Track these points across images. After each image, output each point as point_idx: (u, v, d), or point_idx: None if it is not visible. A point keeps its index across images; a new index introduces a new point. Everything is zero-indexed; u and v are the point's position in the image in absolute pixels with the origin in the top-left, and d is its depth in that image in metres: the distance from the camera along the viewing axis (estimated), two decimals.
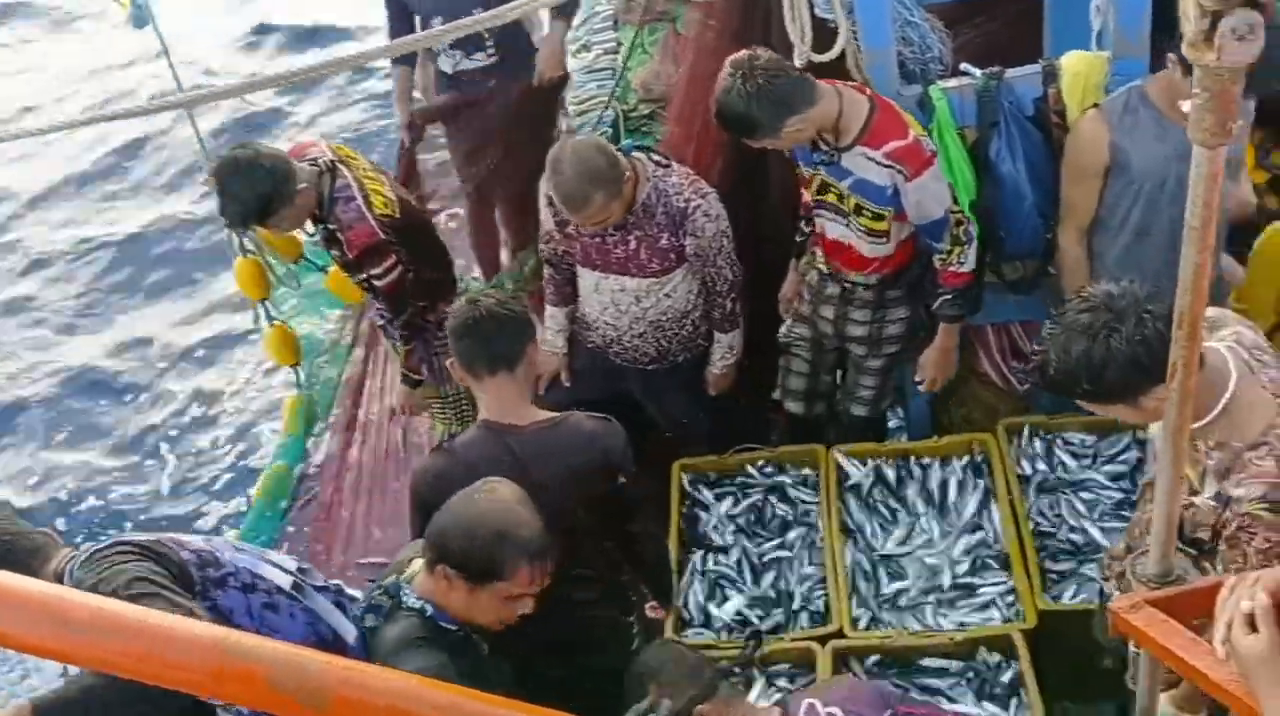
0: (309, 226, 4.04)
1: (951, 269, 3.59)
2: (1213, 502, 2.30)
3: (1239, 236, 3.76)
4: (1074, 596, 3.51)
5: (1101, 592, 3.37)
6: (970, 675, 3.38)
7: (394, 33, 5.02)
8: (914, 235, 3.68)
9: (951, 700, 3.36)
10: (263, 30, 9.74)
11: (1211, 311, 2.50)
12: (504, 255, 5.55)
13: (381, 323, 4.37)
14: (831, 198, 3.61)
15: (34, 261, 7.82)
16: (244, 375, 6.65)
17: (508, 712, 1.69)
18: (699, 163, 4.04)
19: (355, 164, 4.01)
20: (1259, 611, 1.59)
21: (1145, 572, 2.00)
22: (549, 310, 4.11)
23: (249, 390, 6.54)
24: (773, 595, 3.72)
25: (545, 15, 5.21)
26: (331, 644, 2.69)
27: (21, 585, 1.56)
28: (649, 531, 3.39)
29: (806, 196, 3.78)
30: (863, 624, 3.54)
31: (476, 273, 5.47)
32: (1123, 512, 3.61)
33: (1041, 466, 3.86)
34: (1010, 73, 3.57)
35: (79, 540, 3.53)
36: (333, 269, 4.54)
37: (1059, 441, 3.89)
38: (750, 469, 4.04)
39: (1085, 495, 3.75)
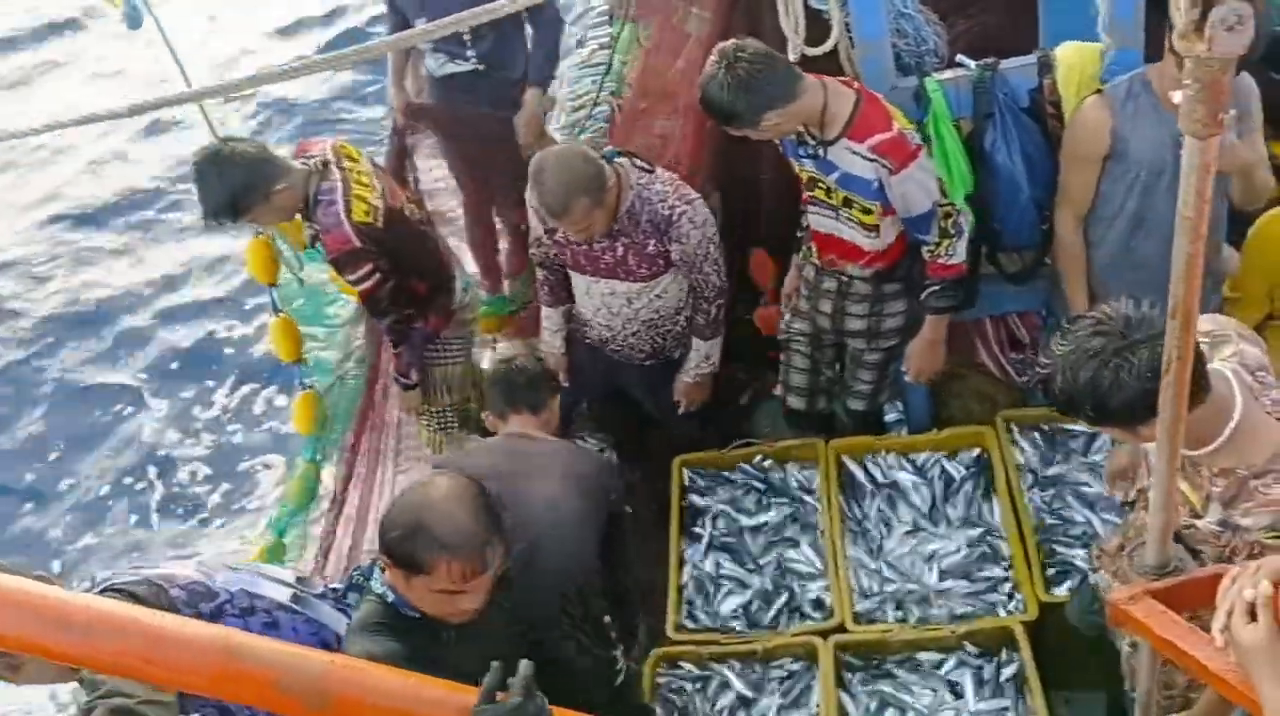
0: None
1: (940, 261, 3.57)
2: (1217, 528, 2.28)
3: (1240, 226, 3.68)
4: (1075, 588, 3.50)
5: (1085, 578, 3.39)
6: (972, 667, 3.39)
7: (392, 29, 5.01)
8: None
9: (954, 693, 3.37)
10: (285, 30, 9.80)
11: (1213, 323, 2.49)
12: (503, 257, 5.53)
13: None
14: (820, 192, 3.60)
15: (34, 261, 7.84)
16: (245, 376, 6.66)
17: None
18: (694, 158, 4.03)
19: (354, 166, 3.94)
20: (1260, 600, 1.59)
21: (1144, 564, 2.00)
22: (544, 311, 4.11)
23: (249, 389, 6.55)
24: (773, 589, 3.73)
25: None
26: (336, 648, 2.68)
27: (34, 589, 1.57)
28: (628, 562, 3.36)
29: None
30: (864, 618, 3.55)
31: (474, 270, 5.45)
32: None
33: (1041, 458, 3.87)
34: (1005, 64, 3.56)
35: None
36: None
37: (1059, 433, 3.89)
38: (749, 465, 4.05)
39: (1085, 487, 3.75)
